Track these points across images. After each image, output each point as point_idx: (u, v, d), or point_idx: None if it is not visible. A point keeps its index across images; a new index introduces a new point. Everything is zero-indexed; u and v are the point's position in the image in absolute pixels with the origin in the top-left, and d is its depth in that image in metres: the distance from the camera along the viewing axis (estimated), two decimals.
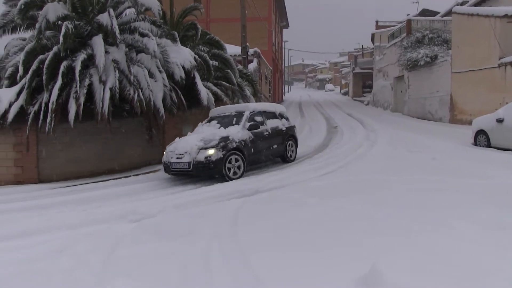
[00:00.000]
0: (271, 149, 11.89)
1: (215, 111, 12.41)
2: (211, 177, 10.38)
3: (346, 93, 60.49)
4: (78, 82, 10.86)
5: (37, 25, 11.42)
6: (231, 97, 15.36)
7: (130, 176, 11.49)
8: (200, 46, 15.45)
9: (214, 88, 14.26)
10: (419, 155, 11.74)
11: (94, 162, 12.24)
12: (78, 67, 10.97)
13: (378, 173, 9.57)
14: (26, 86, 11.15)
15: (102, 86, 11.03)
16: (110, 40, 11.87)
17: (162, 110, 11.72)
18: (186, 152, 10.15)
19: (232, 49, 20.89)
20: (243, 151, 10.66)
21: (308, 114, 30.06)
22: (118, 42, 11.64)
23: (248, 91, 16.55)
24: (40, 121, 11.05)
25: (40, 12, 11.54)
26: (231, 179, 10.16)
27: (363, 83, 50.02)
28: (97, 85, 11.10)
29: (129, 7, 13.14)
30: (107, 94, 10.89)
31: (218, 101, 14.09)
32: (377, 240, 4.95)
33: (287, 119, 13.15)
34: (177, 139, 11.17)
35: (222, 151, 10.18)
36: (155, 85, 11.78)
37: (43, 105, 11.09)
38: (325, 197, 7.44)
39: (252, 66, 26.02)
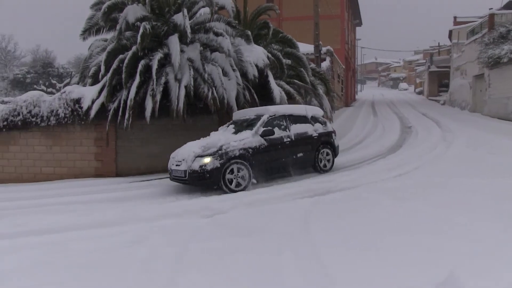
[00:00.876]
0: (294, 158, 10.54)
1: (237, 114, 11.49)
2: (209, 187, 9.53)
3: (420, 92, 58.43)
4: (155, 80, 11.20)
5: (118, 27, 11.95)
6: (303, 96, 15.21)
7: None
8: (273, 44, 15.43)
9: (287, 87, 14.18)
10: (502, 158, 10.99)
11: (168, 158, 12.53)
12: (155, 66, 11.31)
13: (457, 175, 9.08)
14: (107, 84, 11.66)
15: (178, 84, 11.32)
16: (185, 39, 12.14)
17: (235, 108, 11.81)
18: (183, 159, 9.44)
19: (305, 48, 20.71)
20: (249, 159, 9.57)
21: (381, 113, 29.27)
22: (189, 41, 11.87)
23: (321, 89, 16.32)
24: (119, 117, 11.53)
25: (120, 14, 12.04)
26: (232, 191, 9.14)
27: (439, 82, 48.04)
28: (172, 83, 11.41)
29: (204, 7, 13.37)
30: (182, 92, 11.15)
31: (291, 100, 13.99)
32: (456, 246, 4.69)
33: (323, 123, 11.58)
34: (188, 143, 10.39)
35: (220, 160, 9.20)
36: (228, 83, 11.90)
37: (122, 102, 11.56)
38: (400, 198, 7.19)
39: (325, 64, 25.71)
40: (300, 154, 10.70)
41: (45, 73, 44.26)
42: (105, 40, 13.83)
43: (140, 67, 11.42)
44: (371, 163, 11.89)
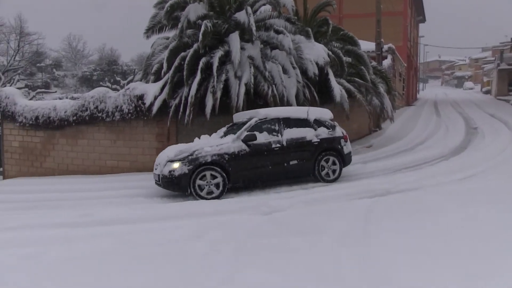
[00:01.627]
0: (284, 166, 9.67)
1: (236, 116, 10.88)
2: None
3: (488, 92, 55.76)
4: (215, 77, 11.34)
5: (180, 25, 12.17)
6: (364, 94, 14.92)
7: None
8: (333, 42, 15.24)
9: (347, 85, 13.95)
10: None
11: None
12: (215, 63, 11.45)
13: None
14: (168, 81, 11.93)
15: (238, 82, 11.41)
16: (246, 37, 12.22)
17: (294, 106, 11.72)
18: (159, 163, 9.29)
19: (365, 45, 20.28)
20: (225, 166, 9.03)
21: (445, 113, 28.19)
22: (254, 39, 11.91)
23: (382, 88, 15.95)
24: (180, 113, 11.76)
25: (182, 13, 12.27)
26: (203, 198, 8.80)
27: (509, 81, 45.57)
28: (233, 80, 11.51)
29: (264, 4, 13.40)
30: (242, 89, 11.23)
31: (351, 98, 13.77)
32: None
33: (329, 127, 10.32)
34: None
35: (189, 166, 8.83)
36: (288, 81, 11.86)
37: (183, 98, 11.78)
38: (464, 203, 6.87)
39: (386, 62, 25.11)
40: (293, 162, 9.76)
41: (110, 71, 46.08)
42: (167, 38, 14.15)
43: (201, 64, 11.60)
44: (433, 164, 11.47)
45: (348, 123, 14.58)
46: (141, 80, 14.30)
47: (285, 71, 12.02)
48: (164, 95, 12.04)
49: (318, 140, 9.97)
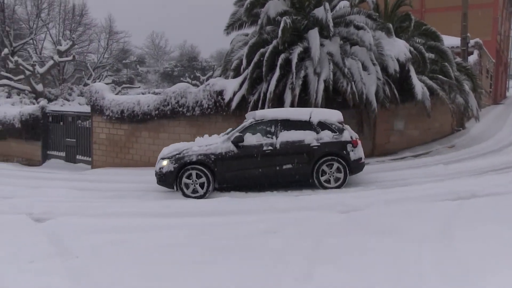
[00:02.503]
0: (276, 169, 9.37)
1: (248, 115, 10.63)
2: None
3: None
4: (294, 73, 11.38)
5: (259, 21, 12.33)
6: (447, 92, 14.31)
7: None
8: (415, 37, 14.75)
9: (429, 82, 13.45)
10: None
11: None
12: (294, 60, 11.48)
13: None
14: (247, 77, 12.14)
15: (317, 78, 11.37)
16: (325, 33, 12.14)
17: (374, 103, 11.51)
18: (157, 160, 9.77)
19: (449, 41, 19.43)
20: (211, 166, 9.18)
21: None
22: (332, 35, 11.81)
23: (466, 86, 15.21)
24: (258, 109, 11.87)
25: (262, 9, 12.41)
26: (188, 197, 9.11)
27: None
28: (311, 77, 11.49)
29: (344, 0, 13.25)
30: (321, 86, 11.18)
31: (433, 96, 13.26)
32: None
33: (335, 131, 9.60)
34: None
35: (175, 164, 9.20)
36: (368, 78, 11.65)
37: (261, 94, 11.94)
38: None
39: (472, 58, 23.86)
40: (287, 166, 9.38)
41: (190, 67, 47.63)
42: (246, 35, 14.40)
43: (280, 60, 11.69)
44: None
45: (429, 122, 14.10)
46: (220, 76, 14.67)
47: (364, 67, 11.82)
48: (243, 91, 12.26)
49: (318, 144, 9.40)
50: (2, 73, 24.56)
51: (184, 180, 9.22)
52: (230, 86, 12.65)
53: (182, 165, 9.23)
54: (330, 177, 9.38)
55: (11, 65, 22.00)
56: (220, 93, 12.79)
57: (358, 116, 12.45)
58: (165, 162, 9.41)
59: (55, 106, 19.05)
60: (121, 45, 39.12)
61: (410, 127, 14.05)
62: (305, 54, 11.97)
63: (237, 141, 9.34)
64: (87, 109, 16.80)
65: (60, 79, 28.88)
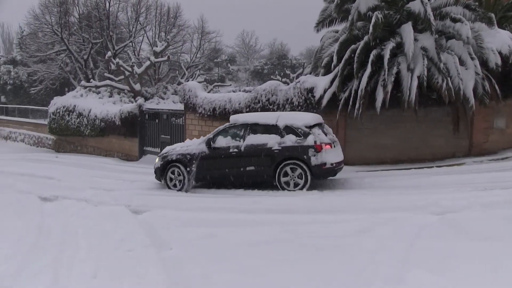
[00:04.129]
0: (241, 171, 9.99)
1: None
2: None
3: None
4: (386, 70, 11.09)
5: (350, 17, 12.14)
6: None
7: (432, 167, 11.21)
8: None
9: None
10: None
11: (396, 150, 12.38)
12: (386, 56, 11.19)
13: None
14: (338, 74, 12.05)
15: (410, 74, 11.00)
16: (418, 27, 11.72)
17: (472, 100, 10.91)
18: None
19: None
20: (186, 165, 10.35)
21: None
22: (432, 29, 11.34)
23: None
24: (349, 107, 11.80)
25: (352, 5, 12.23)
26: (170, 189, 10.52)
27: None
28: (404, 73, 11.15)
29: None
30: (415, 83, 10.80)
31: None
32: None
33: (300, 135, 9.70)
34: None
35: (161, 162, 10.73)
36: (465, 73, 11.06)
37: (352, 92, 11.79)
38: None
39: None
40: (250, 168, 9.92)
41: (279, 64, 48.03)
42: (336, 32, 14.28)
43: (371, 57, 11.46)
44: None
45: None
46: (310, 74, 14.70)
47: (461, 62, 11.22)
48: (333, 88, 12.20)
49: (280, 148, 9.67)
50: (106, 74, 26.46)
51: (169, 175, 10.63)
52: (321, 84, 12.64)
53: (165, 163, 10.67)
54: (290, 180, 9.61)
55: (113, 67, 23.53)
56: (311, 90, 12.83)
57: (454, 113, 11.88)
58: (157, 160, 11.08)
59: (151, 104, 20.07)
60: (213, 45, 40.27)
61: None
62: (398, 50, 11.63)
63: (208, 143, 10.33)
64: (180, 107, 17.59)
65: (155, 78, 30.36)
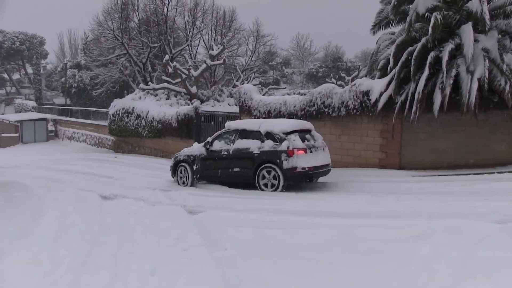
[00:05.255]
0: (229, 171, 11.18)
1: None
2: None
3: None
4: (445, 72, 10.80)
5: (407, 19, 11.91)
6: None
7: (493, 173, 10.79)
8: None
9: None
10: None
11: (454, 154, 12.02)
12: (445, 58, 10.90)
13: None
14: (395, 77, 11.84)
15: (470, 77, 10.66)
16: (479, 27, 11.35)
17: None
18: None
19: None
20: (191, 164, 11.78)
21: None
22: (488, 29, 10.99)
23: None
24: (405, 110, 11.61)
25: (410, 6, 12.03)
26: (180, 185, 11.91)
27: None
28: (464, 76, 10.81)
29: None
30: (475, 85, 10.45)
31: None
32: None
33: (277, 141, 10.48)
34: None
35: (174, 161, 12.36)
36: None
37: (409, 95, 11.58)
38: None
39: None
40: (236, 169, 11.03)
41: (334, 67, 47.71)
42: (393, 34, 14.07)
43: (429, 59, 11.20)
44: None
45: None
46: (366, 76, 14.56)
47: None
48: (390, 91, 12.03)
49: (259, 152, 10.62)
50: (163, 77, 27.27)
51: (179, 174, 12.08)
52: (377, 87, 12.49)
53: (176, 162, 12.22)
54: (268, 181, 10.46)
55: (170, 70, 24.25)
56: (366, 93, 12.71)
57: None
58: (172, 159, 12.61)
59: (206, 107, 20.53)
60: (268, 48, 40.44)
61: None
62: (457, 52, 11.31)
63: (206, 146, 11.68)
64: (235, 109, 17.87)
65: (211, 81, 30.98)
